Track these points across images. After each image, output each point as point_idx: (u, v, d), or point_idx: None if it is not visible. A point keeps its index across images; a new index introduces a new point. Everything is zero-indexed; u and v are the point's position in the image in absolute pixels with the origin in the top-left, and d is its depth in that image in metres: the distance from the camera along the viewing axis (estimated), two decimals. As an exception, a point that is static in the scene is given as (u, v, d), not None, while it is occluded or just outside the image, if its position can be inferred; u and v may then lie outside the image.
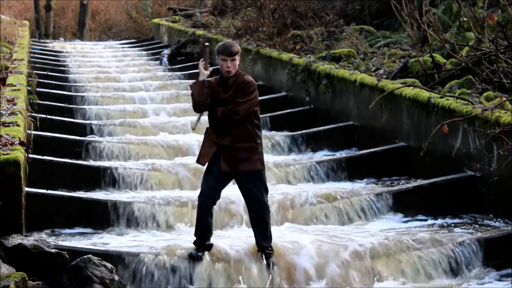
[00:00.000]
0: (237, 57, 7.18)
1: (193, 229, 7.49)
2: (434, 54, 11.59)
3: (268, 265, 7.26)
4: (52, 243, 7.14)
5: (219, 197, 7.32)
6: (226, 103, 7.16)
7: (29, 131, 9.69)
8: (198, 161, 7.35)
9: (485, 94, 9.83)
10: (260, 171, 7.26)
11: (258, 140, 7.25)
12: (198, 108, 7.32)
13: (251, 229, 7.50)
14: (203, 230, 7.29)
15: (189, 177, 10.13)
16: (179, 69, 19.58)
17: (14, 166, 7.27)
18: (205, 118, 7.44)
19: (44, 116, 12.18)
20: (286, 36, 16.16)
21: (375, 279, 7.39)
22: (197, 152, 11.22)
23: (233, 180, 7.38)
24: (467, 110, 8.99)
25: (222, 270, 7.24)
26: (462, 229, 8.36)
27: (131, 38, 31.00)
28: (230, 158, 7.17)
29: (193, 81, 7.38)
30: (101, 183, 9.97)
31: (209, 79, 7.30)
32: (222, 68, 7.19)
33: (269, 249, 7.33)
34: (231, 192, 8.08)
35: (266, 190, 7.31)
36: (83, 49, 25.65)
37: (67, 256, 6.90)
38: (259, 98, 7.39)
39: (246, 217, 8.58)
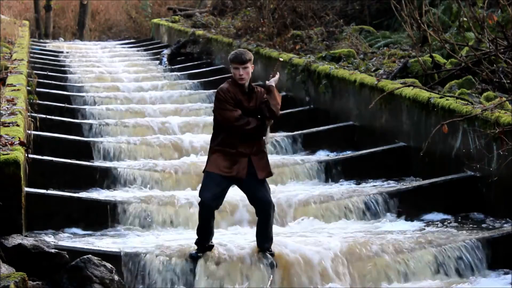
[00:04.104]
0: (250, 65, 7.18)
1: (193, 230, 7.48)
2: (434, 54, 11.59)
3: (268, 265, 7.26)
4: (52, 243, 7.14)
5: (221, 204, 7.32)
6: (250, 112, 7.17)
7: (29, 131, 9.68)
8: (213, 170, 7.24)
9: (485, 94, 9.83)
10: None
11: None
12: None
13: (251, 230, 7.50)
14: (205, 232, 7.29)
15: (190, 177, 10.13)
16: (179, 69, 19.57)
17: (14, 166, 7.27)
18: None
19: (44, 116, 12.17)
20: (286, 36, 16.17)
21: (379, 279, 7.41)
22: (197, 152, 11.44)
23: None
24: (467, 110, 8.99)
25: (222, 270, 7.24)
26: (461, 229, 8.37)
27: (131, 38, 31.01)
28: (251, 166, 7.20)
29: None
30: (101, 183, 9.97)
31: (225, 87, 7.23)
32: (235, 76, 7.17)
33: (270, 250, 7.35)
34: (233, 193, 8.06)
35: (269, 189, 7.35)
36: (83, 49, 25.66)
37: (67, 256, 6.90)
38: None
39: (247, 217, 8.59)
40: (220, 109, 7.15)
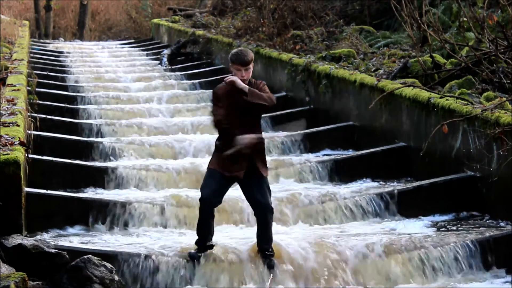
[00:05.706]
0: (251, 65, 7.16)
1: (193, 229, 7.49)
2: (434, 54, 11.59)
3: (268, 265, 7.26)
4: (52, 243, 7.14)
5: (220, 202, 7.33)
6: (247, 106, 7.10)
7: (29, 131, 9.68)
8: (214, 168, 7.26)
9: (485, 94, 9.83)
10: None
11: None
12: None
13: (251, 229, 7.50)
14: (204, 231, 7.30)
15: (189, 177, 10.13)
16: (179, 69, 19.59)
17: (14, 166, 7.27)
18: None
19: (44, 116, 12.18)
20: (286, 36, 16.17)
21: (376, 280, 7.41)
22: (197, 153, 11.43)
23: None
24: (467, 110, 8.99)
25: (222, 270, 7.24)
26: (461, 229, 8.36)
27: (131, 38, 31.02)
28: (250, 164, 7.19)
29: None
30: (101, 183, 9.97)
31: (220, 87, 7.25)
32: (236, 77, 7.16)
33: (270, 250, 7.35)
34: (233, 192, 8.07)
35: (270, 192, 7.34)
36: (83, 49, 25.67)
37: (67, 256, 6.90)
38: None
39: (247, 217, 8.59)
40: (212, 108, 7.27)
